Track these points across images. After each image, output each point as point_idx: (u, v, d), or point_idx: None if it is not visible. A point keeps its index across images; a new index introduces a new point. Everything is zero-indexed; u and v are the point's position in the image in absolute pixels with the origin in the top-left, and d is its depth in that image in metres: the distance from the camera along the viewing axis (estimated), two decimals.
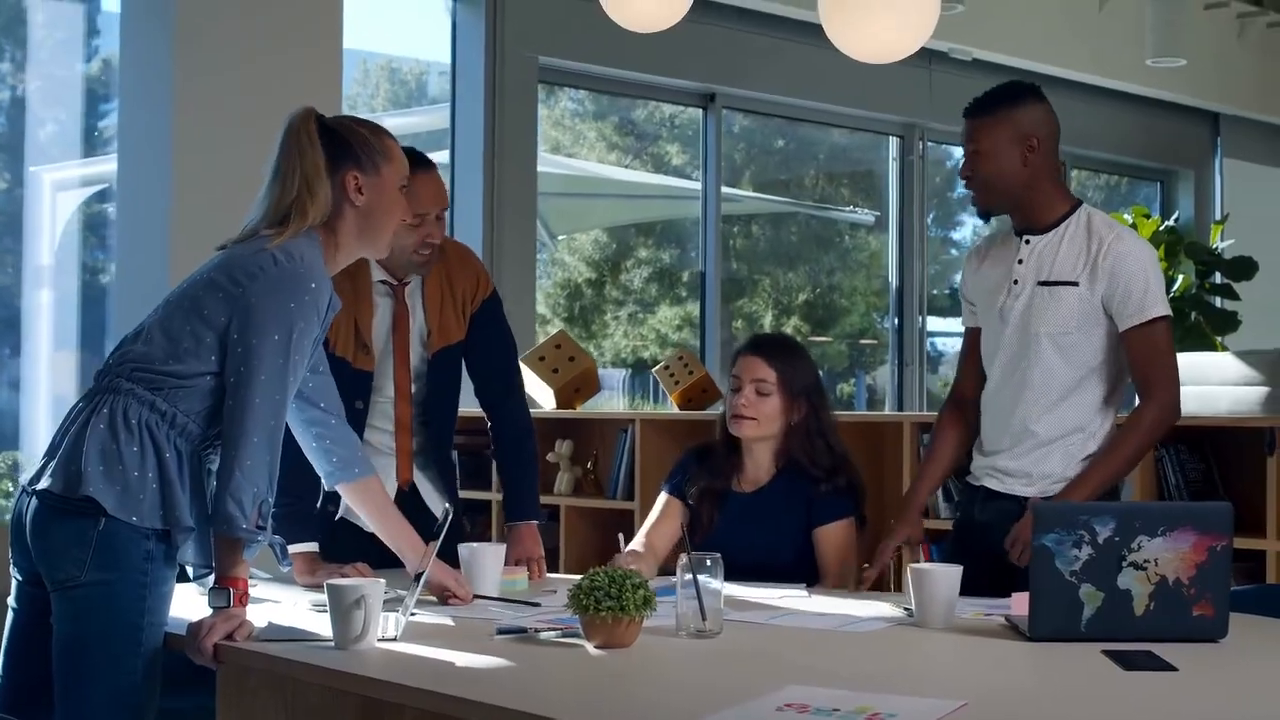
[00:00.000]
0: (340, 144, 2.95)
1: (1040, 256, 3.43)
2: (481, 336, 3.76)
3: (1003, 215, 3.55)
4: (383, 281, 3.64)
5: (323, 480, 3.21)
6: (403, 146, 3.72)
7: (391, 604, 2.80)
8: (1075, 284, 3.37)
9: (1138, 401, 3.43)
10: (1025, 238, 3.46)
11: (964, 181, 3.48)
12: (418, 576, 2.88)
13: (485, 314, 3.76)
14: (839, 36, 3.67)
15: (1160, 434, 3.44)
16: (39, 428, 6.41)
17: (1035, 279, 3.42)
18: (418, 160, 3.60)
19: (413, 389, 3.67)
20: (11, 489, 6.24)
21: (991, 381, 3.54)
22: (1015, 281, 3.45)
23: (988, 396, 3.56)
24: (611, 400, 8.47)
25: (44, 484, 2.78)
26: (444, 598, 3.23)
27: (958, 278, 5.13)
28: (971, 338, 3.65)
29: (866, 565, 3.54)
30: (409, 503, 3.49)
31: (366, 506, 3.26)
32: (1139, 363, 3.39)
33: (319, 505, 3.47)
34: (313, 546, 3.50)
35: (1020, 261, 3.44)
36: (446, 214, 3.67)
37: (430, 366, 3.69)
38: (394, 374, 3.65)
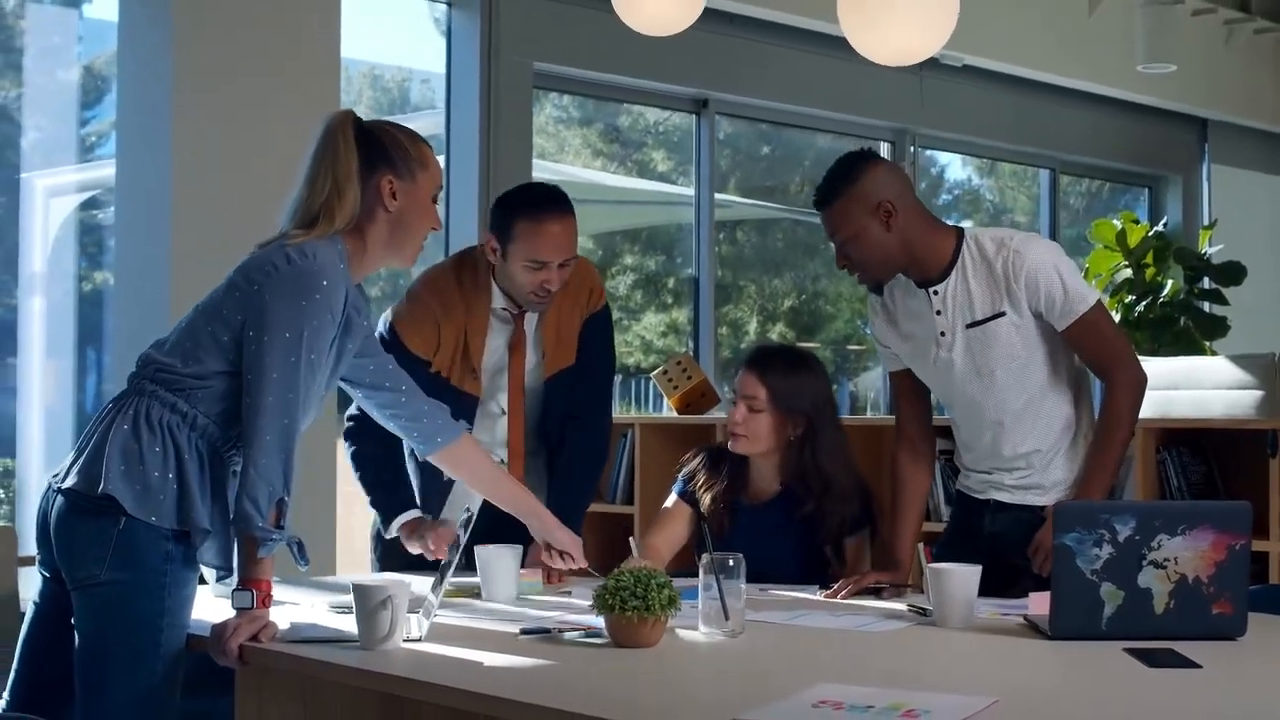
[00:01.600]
0: (377, 148, 2.92)
1: (955, 301, 3.36)
2: (584, 346, 3.74)
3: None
4: (503, 309, 3.63)
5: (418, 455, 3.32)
6: (543, 184, 3.67)
7: (415, 605, 2.79)
8: (1003, 314, 3.33)
9: (1102, 387, 3.40)
10: (931, 289, 3.39)
11: (845, 270, 3.38)
12: (441, 576, 2.87)
13: (593, 323, 3.75)
14: (858, 38, 3.64)
15: (1138, 410, 3.38)
16: (32, 435, 6.37)
17: (962, 324, 3.36)
18: (555, 201, 3.55)
19: (526, 409, 3.68)
20: (1, 496, 6.21)
21: (962, 425, 3.52)
22: (943, 333, 3.39)
23: (964, 439, 3.54)
24: None
25: (69, 482, 2.79)
26: (550, 567, 3.39)
27: None
28: (900, 380, 3.60)
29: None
30: None
31: (467, 476, 3.35)
32: (1090, 353, 3.38)
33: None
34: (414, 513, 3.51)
35: (939, 313, 3.38)
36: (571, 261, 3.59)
37: (547, 389, 3.70)
38: (508, 402, 3.66)
